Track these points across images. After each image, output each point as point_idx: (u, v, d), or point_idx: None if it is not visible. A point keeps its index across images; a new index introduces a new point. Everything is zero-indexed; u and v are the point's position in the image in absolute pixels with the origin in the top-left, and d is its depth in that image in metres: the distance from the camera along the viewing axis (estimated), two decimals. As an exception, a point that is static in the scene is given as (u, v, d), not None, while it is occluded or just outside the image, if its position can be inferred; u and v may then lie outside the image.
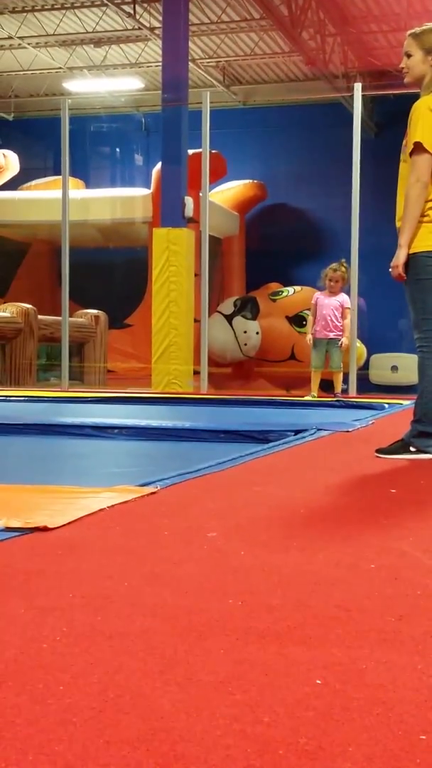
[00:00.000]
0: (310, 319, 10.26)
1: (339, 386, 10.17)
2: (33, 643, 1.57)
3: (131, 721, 1.23)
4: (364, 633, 1.66)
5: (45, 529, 2.50)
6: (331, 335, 9.92)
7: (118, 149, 19.69)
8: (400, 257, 4.36)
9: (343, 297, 10.08)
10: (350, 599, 1.88)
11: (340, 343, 9.99)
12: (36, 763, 1.10)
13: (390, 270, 4.42)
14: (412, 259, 4.36)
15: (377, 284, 14.96)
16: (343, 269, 10.07)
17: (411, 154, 4.31)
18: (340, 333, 9.94)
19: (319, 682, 1.39)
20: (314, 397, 9.88)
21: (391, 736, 1.19)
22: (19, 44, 16.78)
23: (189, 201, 12.57)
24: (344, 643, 1.59)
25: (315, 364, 10.09)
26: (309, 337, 10.15)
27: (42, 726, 1.21)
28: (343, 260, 10.31)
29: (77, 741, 1.16)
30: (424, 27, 4.51)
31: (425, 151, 4.27)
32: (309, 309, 15.62)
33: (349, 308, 10.09)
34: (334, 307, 9.90)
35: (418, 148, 4.28)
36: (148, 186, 16.44)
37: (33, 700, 1.30)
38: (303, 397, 9.97)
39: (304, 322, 15.49)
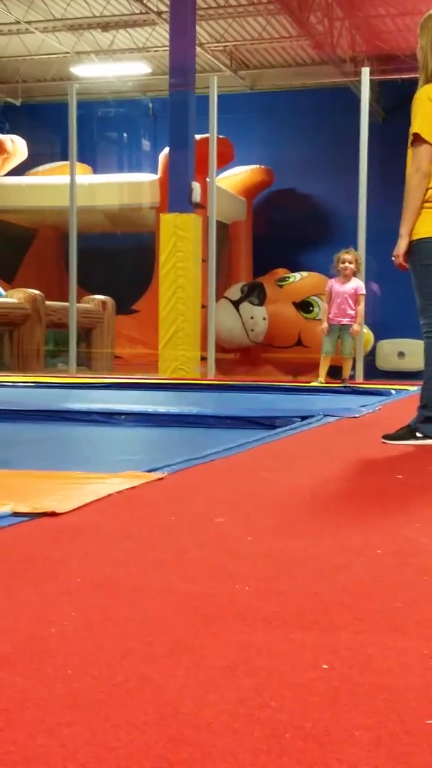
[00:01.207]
0: (324, 306, 10.10)
1: (348, 372, 10.02)
2: (41, 627, 1.58)
3: (139, 705, 1.24)
4: (371, 618, 1.66)
5: (53, 514, 2.51)
6: (345, 321, 9.71)
7: (125, 134, 19.66)
8: (401, 247, 4.38)
9: (357, 283, 9.84)
10: (357, 585, 1.89)
11: (351, 329, 9.82)
12: (44, 746, 1.11)
13: (392, 259, 4.43)
14: (415, 246, 4.37)
15: (384, 269, 14.90)
16: (355, 252, 9.91)
17: (411, 144, 4.32)
18: (353, 319, 9.74)
19: (325, 666, 1.40)
20: (321, 382, 9.78)
21: (397, 721, 1.20)
22: (27, 29, 16.74)
23: (196, 186, 12.55)
24: (351, 629, 1.60)
25: (326, 349, 9.87)
26: (324, 325, 9.90)
27: (50, 710, 1.22)
28: (351, 248, 10.17)
29: (85, 725, 1.17)
30: (427, 14, 4.49)
31: (424, 141, 4.28)
32: (317, 295, 15.68)
33: (363, 294, 9.87)
34: (348, 294, 9.67)
35: (417, 138, 4.29)
36: (155, 171, 16.42)
37: (42, 684, 1.31)
38: (310, 382, 9.91)
39: (311, 308, 15.48)
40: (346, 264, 9.63)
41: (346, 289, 9.68)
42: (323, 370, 9.97)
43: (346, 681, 1.34)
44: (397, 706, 1.25)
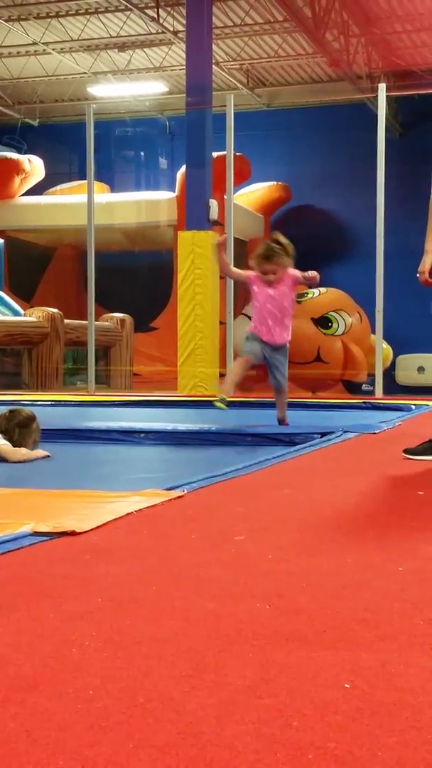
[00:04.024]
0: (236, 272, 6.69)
1: (283, 411, 6.47)
2: (62, 647, 1.58)
3: (161, 725, 1.23)
4: (393, 636, 1.65)
5: (73, 533, 2.51)
6: (279, 341, 6.33)
7: (142, 153, 19.75)
8: (426, 263, 4.36)
9: (289, 275, 6.25)
10: (379, 602, 1.88)
11: (307, 294, 6.37)
12: (66, 767, 1.11)
13: (417, 276, 4.43)
14: None
15: (404, 284, 14.77)
16: (282, 245, 6.23)
17: None
18: (288, 339, 6.38)
19: (347, 686, 1.39)
20: (224, 401, 6.27)
21: (420, 740, 1.19)
22: (44, 50, 16.86)
23: (214, 204, 12.58)
24: (373, 647, 1.59)
25: (247, 349, 6.36)
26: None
27: (72, 730, 1.22)
28: (276, 235, 6.38)
29: (107, 745, 1.17)
30: None
31: None
32: (335, 311, 15.61)
33: (299, 275, 6.23)
34: (279, 305, 6.26)
35: None
36: (172, 189, 16.48)
37: (63, 704, 1.31)
38: (214, 398, 6.64)
39: (330, 324, 15.44)
40: (270, 276, 6.23)
41: (279, 297, 6.26)
42: (232, 378, 6.52)
43: (369, 700, 1.33)
44: (420, 725, 1.24)
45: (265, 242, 6.10)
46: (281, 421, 6.44)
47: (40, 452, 4.81)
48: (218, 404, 6.24)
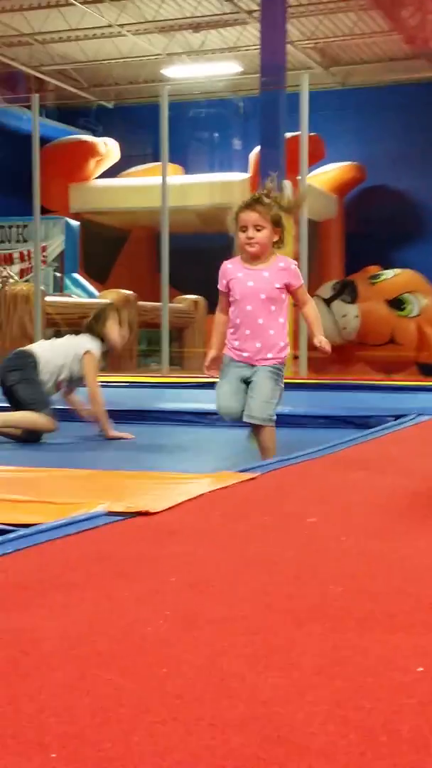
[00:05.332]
0: (218, 318, 4.54)
1: (268, 452, 4.23)
2: (136, 626, 1.60)
3: (234, 704, 1.24)
4: (467, 621, 1.64)
5: (147, 513, 2.53)
6: (267, 356, 4.32)
7: (216, 134, 19.72)
8: None
9: (283, 262, 4.30)
10: (452, 587, 1.87)
11: (318, 341, 4.44)
12: (140, 744, 1.12)
13: None
14: None
15: None
16: (275, 192, 4.20)
17: None
18: (279, 356, 4.39)
19: (421, 669, 1.39)
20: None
21: None
22: (119, 32, 16.91)
23: (287, 185, 12.52)
24: (446, 631, 1.58)
25: (226, 404, 4.32)
26: (212, 354, 4.52)
27: (146, 707, 1.23)
28: (272, 178, 4.23)
29: (181, 723, 1.18)
30: None
31: None
32: (410, 292, 15.46)
33: (301, 283, 4.38)
34: (267, 291, 4.25)
35: None
36: (246, 170, 16.43)
37: (137, 682, 1.33)
38: None
39: (404, 306, 15.29)
40: (251, 233, 4.13)
41: (263, 281, 4.24)
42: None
43: (442, 684, 1.33)
44: None
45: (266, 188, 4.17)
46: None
47: (124, 434, 4.93)
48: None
